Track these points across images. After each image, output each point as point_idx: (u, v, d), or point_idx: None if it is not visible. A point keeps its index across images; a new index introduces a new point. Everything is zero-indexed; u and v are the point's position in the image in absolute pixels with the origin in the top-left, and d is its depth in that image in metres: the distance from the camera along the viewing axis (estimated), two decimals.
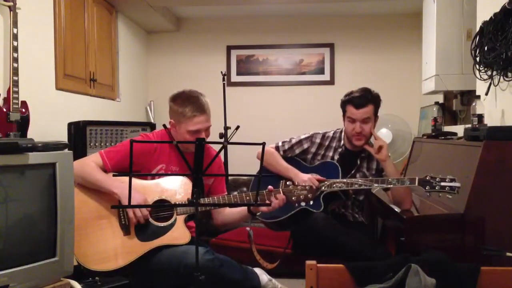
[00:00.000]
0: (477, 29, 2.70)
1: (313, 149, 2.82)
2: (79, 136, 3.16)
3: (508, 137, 2.19)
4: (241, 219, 2.44)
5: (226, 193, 2.50)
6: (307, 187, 2.29)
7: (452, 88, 3.54)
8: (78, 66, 3.56)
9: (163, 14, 4.59)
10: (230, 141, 1.79)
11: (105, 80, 4.04)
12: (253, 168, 2.19)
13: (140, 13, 4.44)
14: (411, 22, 4.85)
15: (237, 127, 2.44)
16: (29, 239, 1.77)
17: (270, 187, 2.28)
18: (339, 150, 2.79)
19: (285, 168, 2.73)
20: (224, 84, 3.99)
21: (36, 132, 2.74)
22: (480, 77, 2.66)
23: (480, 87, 2.78)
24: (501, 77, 2.48)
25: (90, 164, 2.21)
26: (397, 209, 2.55)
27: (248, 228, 2.81)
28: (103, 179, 2.17)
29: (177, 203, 2.23)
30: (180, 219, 2.21)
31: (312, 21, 5.05)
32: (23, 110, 2.67)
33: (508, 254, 1.80)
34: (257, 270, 2.30)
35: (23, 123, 2.65)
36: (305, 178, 2.58)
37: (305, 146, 2.83)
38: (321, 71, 5.07)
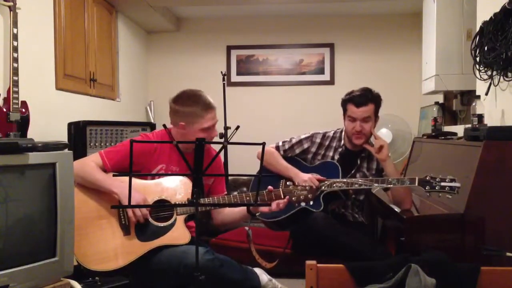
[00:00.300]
0: (477, 29, 2.70)
1: (313, 149, 2.82)
2: (79, 136, 3.16)
3: (508, 137, 2.19)
4: (241, 219, 2.44)
5: (226, 193, 2.50)
6: (307, 187, 2.29)
7: (452, 88, 3.54)
8: (78, 66, 3.56)
9: (163, 14, 4.59)
10: (230, 141, 1.79)
11: (105, 80, 4.04)
12: (253, 168, 2.19)
13: (140, 13, 4.44)
14: (411, 22, 4.85)
15: (237, 127, 2.44)
16: (29, 239, 1.77)
17: (270, 187, 2.28)
18: (339, 150, 2.79)
19: (285, 167, 2.73)
20: (224, 84, 3.99)
21: (36, 132, 2.74)
22: (480, 77, 2.66)
23: (480, 87, 2.78)
24: (501, 77, 2.48)
25: (90, 164, 2.21)
26: (397, 209, 2.55)
27: (247, 228, 2.81)
28: (102, 178, 2.17)
29: (177, 203, 2.23)
30: (180, 219, 2.21)
31: (312, 21, 5.05)
32: (23, 110, 2.67)
33: (508, 254, 1.80)
34: (257, 270, 2.30)
35: (23, 123, 2.65)
36: (305, 178, 2.58)
37: (305, 146, 2.83)
38: (321, 71, 5.07)
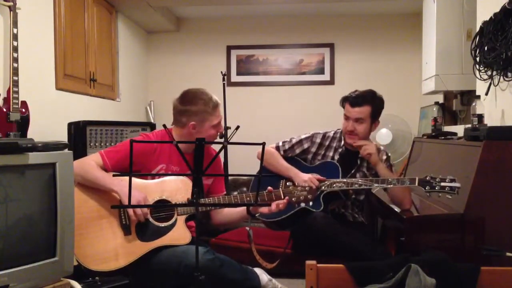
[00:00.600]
0: (477, 29, 2.70)
1: (313, 149, 2.82)
2: (79, 136, 3.16)
3: (508, 137, 2.19)
4: (240, 220, 2.45)
5: (225, 192, 2.50)
6: (307, 188, 2.30)
7: (452, 88, 3.54)
8: (78, 66, 3.56)
9: (163, 14, 4.59)
10: (230, 141, 1.79)
11: (105, 80, 4.04)
12: (253, 168, 2.19)
13: (140, 13, 4.44)
14: (411, 22, 4.85)
15: (237, 127, 2.45)
16: (29, 239, 1.77)
17: (269, 188, 2.28)
18: (340, 150, 2.79)
19: (285, 168, 2.73)
20: (224, 84, 3.99)
21: (36, 132, 2.74)
22: (480, 77, 2.66)
23: (480, 87, 2.78)
24: (501, 77, 2.48)
25: (91, 163, 2.21)
26: (397, 209, 2.55)
27: (247, 228, 2.81)
28: (103, 177, 2.17)
29: (178, 203, 2.23)
30: (181, 219, 2.21)
31: (312, 21, 5.05)
32: (23, 110, 2.67)
33: (508, 254, 1.80)
34: (257, 270, 2.30)
35: (23, 123, 2.65)
36: (305, 178, 2.58)
37: (306, 146, 2.83)
38: (321, 71, 5.07)
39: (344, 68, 5.04)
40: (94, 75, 3.77)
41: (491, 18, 2.51)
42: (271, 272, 2.38)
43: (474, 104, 2.59)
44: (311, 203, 2.42)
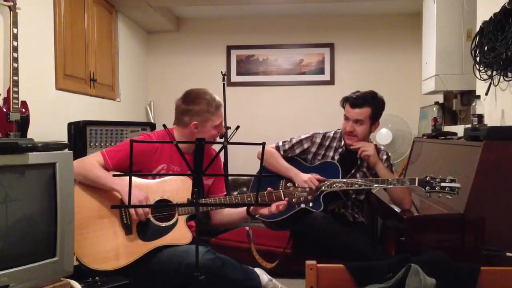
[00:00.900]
0: (477, 29, 2.70)
1: (313, 149, 2.82)
2: (79, 136, 3.16)
3: (508, 137, 2.19)
4: (240, 220, 2.45)
5: (225, 193, 2.50)
6: (307, 189, 2.31)
7: (452, 88, 3.54)
8: (78, 66, 3.56)
9: (163, 14, 4.59)
10: (230, 141, 1.79)
11: (105, 80, 4.04)
12: (253, 168, 2.19)
13: (140, 13, 4.44)
14: (411, 22, 4.85)
15: (237, 127, 2.45)
16: (29, 239, 1.77)
17: (269, 189, 2.28)
18: (340, 150, 2.79)
19: (285, 168, 2.73)
20: (224, 84, 3.99)
21: (36, 132, 2.74)
22: (480, 77, 2.66)
23: (480, 87, 2.78)
24: (501, 77, 2.48)
25: (92, 162, 2.21)
26: (397, 209, 2.55)
27: (247, 228, 2.81)
28: (104, 176, 2.17)
29: (178, 203, 2.23)
30: (182, 219, 2.21)
31: (312, 21, 5.05)
32: (23, 110, 2.67)
33: (508, 254, 1.80)
34: (258, 270, 2.29)
35: (23, 123, 2.65)
36: (305, 178, 2.58)
37: (306, 146, 2.83)
38: (321, 71, 5.07)
39: (344, 68, 5.04)
40: (94, 75, 3.77)
41: (491, 18, 2.51)
42: (271, 272, 2.37)
43: (474, 104, 2.59)
44: (311, 204, 2.43)
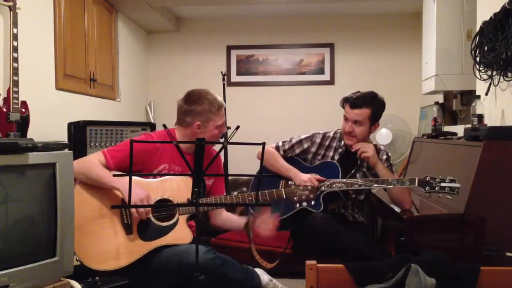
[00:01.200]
0: (477, 29, 2.70)
1: (313, 149, 2.82)
2: (79, 136, 3.16)
3: (508, 137, 2.19)
4: (236, 229, 2.49)
5: (225, 194, 2.50)
6: (309, 187, 2.31)
7: (452, 88, 3.54)
8: (78, 66, 3.56)
9: (163, 14, 4.59)
10: (230, 141, 1.79)
11: (105, 80, 4.03)
12: (253, 168, 2.19)
13: (140, 13, 4.44)
14: (411, 22, 4.85)
15: (237, 127, 2.45)
16: (29, 239, 1.77)
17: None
18: (340, 150, 2.79)
19: (285, 168, 2.73)
20: (224, 84, 3.99)
21: (36, 132, 2.74)
22: (480, 77, 2.66)
23: (480, 87, 2.78)
24: (501, 77, 2.48)
25: (93, 162, 2.22)
26: (397, 209, 2.55)
27: None
28: (105, 175, 2.17)
29: (179, 203, 2.23)
30: (182, 219, 2.21)
31: (312, 21, 5.04)
32: (23, 110, 2.67)
33: (508, 254, 1.80)
34: (258, 270, 2.30)
35: (23, 123, 2.65)
36: (305, 178, 2.58)
37: (305, 146, 2.83)
38: (321, 71, 5.07)
39: (344, 68, 5.04)
40: (94, 75, 3.77)
41: (491, 18, 2.51)
42: (271, 272, 2.38)
43: (474, 104, 2.59)
44: (313, 202, 2.43)
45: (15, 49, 2.58)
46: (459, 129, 3.30)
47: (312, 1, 4.45)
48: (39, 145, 1.78)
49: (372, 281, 1.72)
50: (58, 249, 1.81)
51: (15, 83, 2.58)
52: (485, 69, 2.61)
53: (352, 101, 2.69)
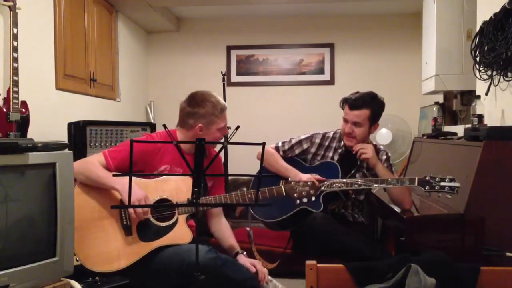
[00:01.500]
0: (477, 29, 2.70)
1: (313, 149, 2.82)
2: (79, 136, 3.16)
3: (508, 137, 2.19)
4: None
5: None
6: (309, 183, 2.30)
7: (452, 88, 3.54)
8: (78, 66, 3.56)
9: (163, 14, 4.59)
10: (230, 141, 1.79)
11: (105, 80, 4.04)
12: (253, 168, 2.19)
13: (140, 13, 4.44)
14: (411, 22, 4.85)
15: (237, 127, 2.45)
16: (29, 239, 1.77)
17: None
18: (339, 150, 2.79)
19: (285, 168, 2.73)
20: (224, 84, 3.99)
21: (36, 132, 2.74)
22: (480, 77, 2.66)
23: (480, 87, 2.78)
24: (501, 77, 2.48)
25: (94, 162, 2.22)
26: (397, 209, 2.55)
27: (247, 228, 2.81)
28: (105, 175, 2.17)
29: (178, 202, 2.23)
30: (182, 218, 2.21)
31: (312, 21, 5.05)
32: (23, 110, 2.67)
33: (508, 254, 1.80)
34: None
35: (23, 123, 2.65)
36: (305, 178, 2.58)
37: (305, 146, 2.83)
38: (321, 71, 5.07)
39: (344, 68, 5.04)
40: (94, 75, 3.77)
41: (491, 18, 2.51)
42: (271, 272, 2.37)
43: (474, 104, 2.59)
44: (313, 198, 2.42)
45: (15, 49, 2.58)
46: (459, 129, 3.30)
47: (312, 1, 4.45)
48: (39, 145, 1.78)
49: (372, 281, 1.72)
50: (58, 249, 1.81)
51: (15, 83, 2.58)
52: (485, 69, 2.61)
53: (351, 102, 2.69)
